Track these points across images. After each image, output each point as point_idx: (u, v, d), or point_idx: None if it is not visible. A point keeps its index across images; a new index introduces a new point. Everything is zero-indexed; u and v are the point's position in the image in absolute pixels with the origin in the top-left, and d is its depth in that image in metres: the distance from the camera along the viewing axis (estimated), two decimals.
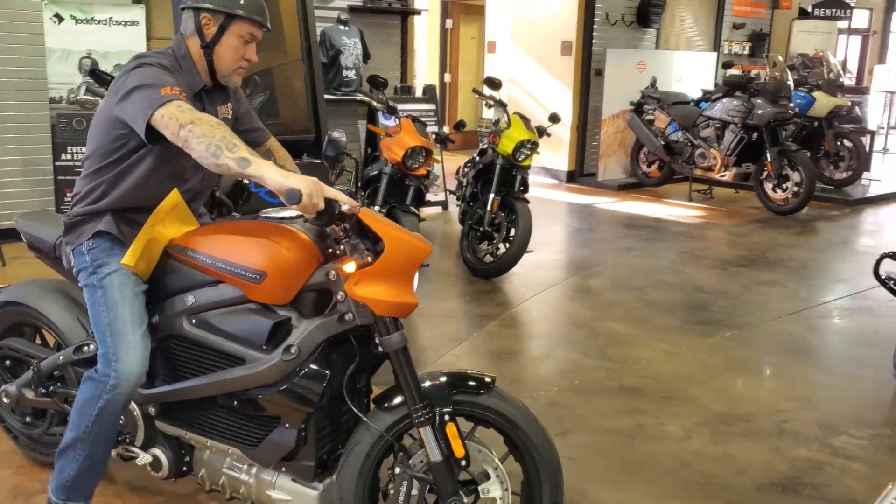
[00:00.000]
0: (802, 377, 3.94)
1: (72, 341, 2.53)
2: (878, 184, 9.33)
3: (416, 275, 2.13)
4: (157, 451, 2.38)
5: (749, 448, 3.16)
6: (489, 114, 5.82)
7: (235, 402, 2.18)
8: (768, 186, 7.93)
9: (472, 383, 2.18)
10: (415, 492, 2.14)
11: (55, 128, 5.59)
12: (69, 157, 5.63)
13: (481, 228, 5.46)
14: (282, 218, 2.21)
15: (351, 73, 7.15)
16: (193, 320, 2.22)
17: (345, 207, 1.96)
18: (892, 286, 4.03)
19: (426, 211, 6.94)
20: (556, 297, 5.17)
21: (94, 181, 2.29)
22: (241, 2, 2.25)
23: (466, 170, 6.40)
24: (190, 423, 2.32)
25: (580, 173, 9.63)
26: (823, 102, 8.45)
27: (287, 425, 2.14)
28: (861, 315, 4.87)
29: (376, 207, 4.95)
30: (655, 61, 9.60)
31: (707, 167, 8.34)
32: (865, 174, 9.05)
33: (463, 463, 2.13)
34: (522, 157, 5.47)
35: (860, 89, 11.08)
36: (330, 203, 1.91)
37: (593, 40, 9.28)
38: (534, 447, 2.18)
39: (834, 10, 12.18)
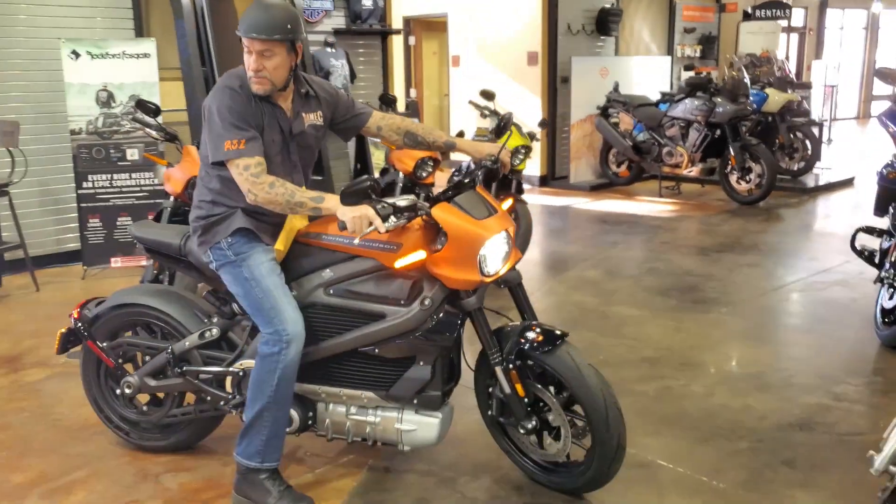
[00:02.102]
0: (796, 341, 4.45)
1: (189, 329, 2.97)
2: (829, 172, 10.05)
3: (505, 250, 2.67)
4: (290, 410, 2.79)
5: (764, 399, 3.64)
6: (484, 123, 6.24)
7: (377, 350, 2.69)
8: (733, 179, 8.52)
9: (539, 340, 2.70)
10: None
11: (76, 158, 5.85)
12: (90, 185, 5.89)
13: None
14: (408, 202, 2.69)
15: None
16: (331, 290, 2.72)
17: (382, 227, 2.43)
18: (868, 256, 4.59)
19: None
20: (561, 288, 5.62)
21: (212, 184, 2.70)
22: (242, 25, 2.68)
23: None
24: (326, 378, 2.81)
25: (552, 177, 10.15)
26: (776, 98, 9.10)
27: (422, 363, 2.70)
28: (836, 287, 5.42)
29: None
30: (616, 67, 10.19)
31: (674, 164, 8.91)
32: (818, 164, 9.74)
33: (525, 400, 2.73)
34: (518, 161, 5.88)
35: (805, 84, 11.85)
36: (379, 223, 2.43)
37: (557, 50, 9.83)
38: (588, 401, 2.66)
39: (774, 10, 12.99)
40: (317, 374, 2.82)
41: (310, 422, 2.89)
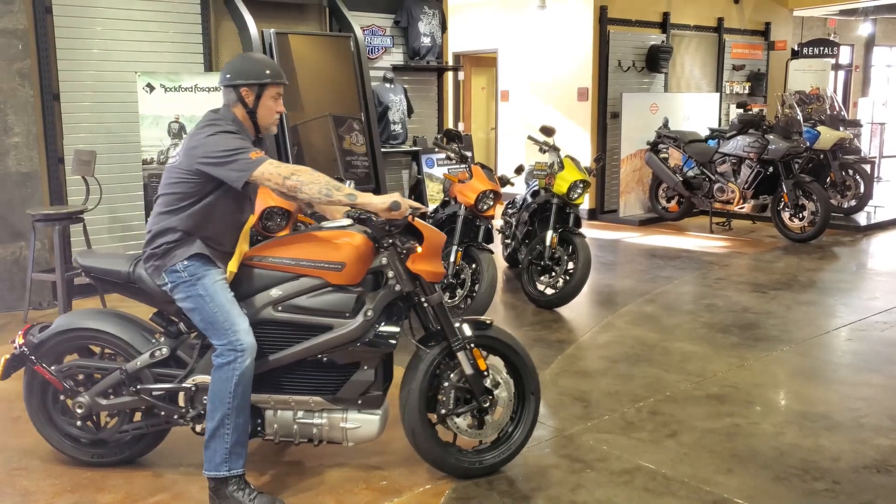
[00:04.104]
0: (863, 381, 4.42)
1: (138, 349, 3.17)
2: (883, 210, 9.95)
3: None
4: (248, 416, 2.99)
5: (836, 439, 3.62)
6: (543, 158, 6.33)
7: (324, 359, 3.04)
8: (786, 216, 8.49)
9: (480, 324, 3.24)
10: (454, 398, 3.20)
11: (147, 187, 6.06)
12: None
13: (542, 263, 5.94)
14: (342, 226, 3.11)
15: (398, 127, 7.69)
16: (280, 307, 3.03)
17: (418, 212, 3.00)
18: None
19: None
20: (620, 322, 5.64)
21: (174, 217, 2.97)
22: (268, 72, 3.03)
23: (513, 211, 6.91)
24: (275, 387, 3.08)
25: (601, 210, 10.20)
26: (828, 136, 9.09)
27: (366, 367, 3.07)
28: None
29: (454, 247, 5.43)
30: (666, 103, 10.26)
31: (726, 200, 8.91)
32: (870, 202, 9.66)
33: (485, 373, 3.20)
34: (576, 195, 6.00)
35: (855, 122, 11.78)
36: (413, 209, 2.96)
37: (608, 86, 9.93)
38: (521, 361, 3.29)
39: (822, 48, 13.00)
40: (266, 384, 3.06)
41: (259, 428, 3.14)
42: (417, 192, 7.94)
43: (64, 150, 6.01)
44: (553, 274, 5.95)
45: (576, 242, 5.89)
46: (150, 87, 5.99)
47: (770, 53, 12.09)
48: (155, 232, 3.00)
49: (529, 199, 6.56)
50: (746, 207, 8.96)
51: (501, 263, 7.23)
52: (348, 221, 3.08)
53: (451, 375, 3.19)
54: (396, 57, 7.95)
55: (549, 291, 5.98)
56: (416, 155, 7.95)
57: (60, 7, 5.94)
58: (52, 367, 3.22)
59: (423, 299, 3.12)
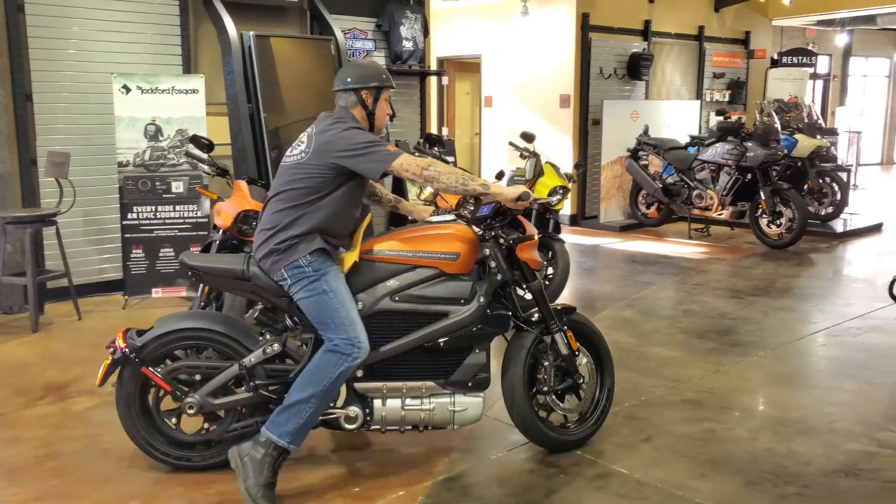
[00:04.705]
0: (836, 386, 4.45)
1: (248, 347, 3.21)
2: (858, 217, 10.05)
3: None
4: (354, 408, 3.21)
5: (808, 444, 3.64)
6: (523, 164, 6.34)
7: (441, 344, 3.21)
8: (763, 223, 8.56)
9: (569, 309, 3.56)
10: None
11: (122, 189, 6.01)
12: (135, 216, 6.04)
13: None
14: (447, 220, 3.34)
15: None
16: (397, 297, 3.18)
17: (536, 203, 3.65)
18: None
19: None
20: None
21: (300, 212, 3.07)
22: (383, 76, 3.27)
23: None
24: (388, 375, 3.23)
25: (582, 216, 10.23)
26: (805, 144, 9.16)
27: (478, 350, 3.29)
28: (873, 333, 5.42)
29: None
30: (646, 110, 10.32)
31: (705, 207, 8.96)
32: (846, 209, 9.75)
33: (576, 353, 3.51)
34: (556, 201, 6.01)
35: (832, 130, 11.90)
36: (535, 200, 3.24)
37: (589, 93, 9.98)
38: (599, 343, 3.69)
39: (800, 57, 13.14)
40: (379, 373, 3.22)
41: (367, 418, 3.24)
42: (400, 195, 7.91)
43: (37, 151, 5.95)
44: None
45: (555, 248, 5.89)
46: (127, 89, 5.94)
47: (750, 62, 12.20)
48: (279, 227, 3.07)
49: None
50: (725, 214, 9.03)
51: None
52: (451, 217, 3.34)
53: (549, 356, 3.45)
54: (378, 61, 7.94)
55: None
56: None
57: (33, 6, 5.87)
58: (159, 370, 3.21)
59: (525, 286, 3.40)
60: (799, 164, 9.28)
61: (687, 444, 3.66)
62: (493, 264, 3.31)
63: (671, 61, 11.13)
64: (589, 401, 3.62)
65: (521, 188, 3.11)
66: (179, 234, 6.14)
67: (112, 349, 3.18)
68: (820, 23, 14.65)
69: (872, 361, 4.86)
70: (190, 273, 3.25)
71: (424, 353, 3.22)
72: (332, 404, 3.17)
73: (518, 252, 3.33)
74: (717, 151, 8.78)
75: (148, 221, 6.09)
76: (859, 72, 18.39)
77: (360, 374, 3.18)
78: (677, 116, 10.78)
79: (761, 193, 8.43)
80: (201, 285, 4.54)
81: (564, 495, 3.17)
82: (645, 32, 10.58)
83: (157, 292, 6.14)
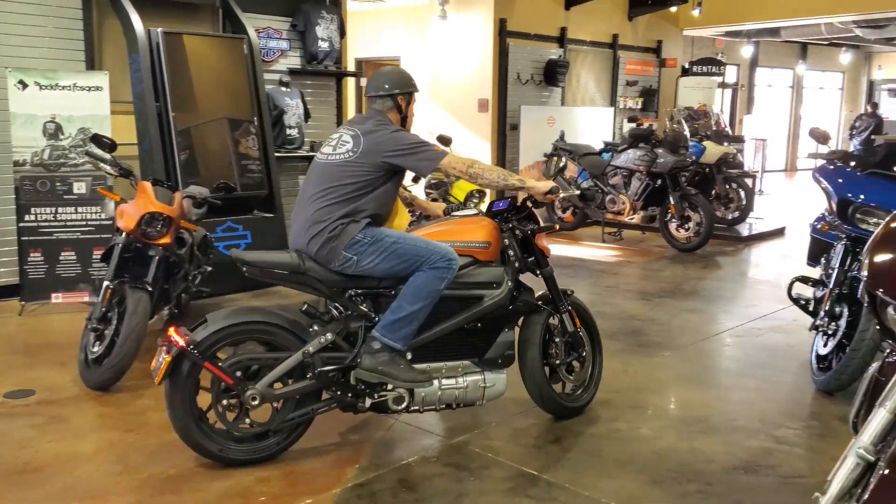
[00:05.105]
0: (738, 385, 4.61)
1: (302, 338, 3.35)
2: (762, 222, 10.48)
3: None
4: (401, 390, 3.42)
5: (710, 442, 3.76)
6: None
7: (479, 325, 3.53)
8: (673, 227, 8.82)
9: (568, 293, 3.98)
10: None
11: (19, 190, 5.71)
12: (33, 218, 5.75)
13: None
14: (471, 214, 3.82)
15: (294, 132, 7.55)
16: None
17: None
18: (803, 304, 4.81)
19: None
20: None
21: (350, 206, 3.32)
22: (413, 82, 3.63)
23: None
24: (431, 356, 3.50)
25: None
26: (713, 151, 9.50)
27: (507, 329, 3.66)
28: (773, 333, 5.64)
29: None
30: (563, 116, 10.50)
31: (617, 211, 9.18)
32: (751, 214, 10.16)
33: (579, 331, 3.98)
34: (472, 205, 6.04)
35: (739, 138, 12.37)
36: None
37: (507, 98, 10.08)
38: (591, 322, 4.14)
39: (709, 66, 13.62)
40: (424, 355, 3.47)
41: (410, 399, 3.46)
42: None
43: None
44: None
45: None
46: (23, 84, 5.66)
47: (661, 70, 12.56)
48: (333, 219, 3.28)
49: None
50: (636, 218, 9.27)
51: None
52: (474, 210, 3.82)
53: (558, 333, 3.91)
54: (294, 60, 7.82)
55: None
56: (312, 160, 7.81)
57: None
58: (220, 364, 3.25)
59: (538, 271, 3.80)
60: (707, 170, 9.60)
61: (595, 443, 3.72)
62: (511, 253, 3.65)
63: (586, 68, 11.36)
64: (587, 372, 4.07)
65: (551, 183, 3.55)
66: (82, 236, 5.88)
67: (167, 346, 3.17)
68: (728, 34, 15.23)
69: (772, 360, 5.06)
70: (245, 269, 3.31)
71: (463, 334, 3.52)
72: (384, 386, 3.40)
73: (537, 240, 3.76)
74: (629, 157, 9.01)
75: (47, 224, 5.81)
76: (765, 82, 19.21)
77: (409, 356, 3.42)
78: (592, 123, 11.01)
79: (670, 198, 8.69)
80: (103, 291, 4.36)
81: (474, 499, 3.17)
82: (561, 39, 10.76)
83: (57, 298, 5.85)
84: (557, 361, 3.89)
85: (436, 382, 3.47)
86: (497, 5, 9.88)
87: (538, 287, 3.88)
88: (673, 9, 11.71)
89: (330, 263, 3.31)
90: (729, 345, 5.44)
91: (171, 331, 3.19)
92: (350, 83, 12.53)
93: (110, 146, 4.58)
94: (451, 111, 10.44)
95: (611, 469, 3.46)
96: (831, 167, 4.62)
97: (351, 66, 12.38)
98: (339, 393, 3.39)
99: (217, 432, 3.34)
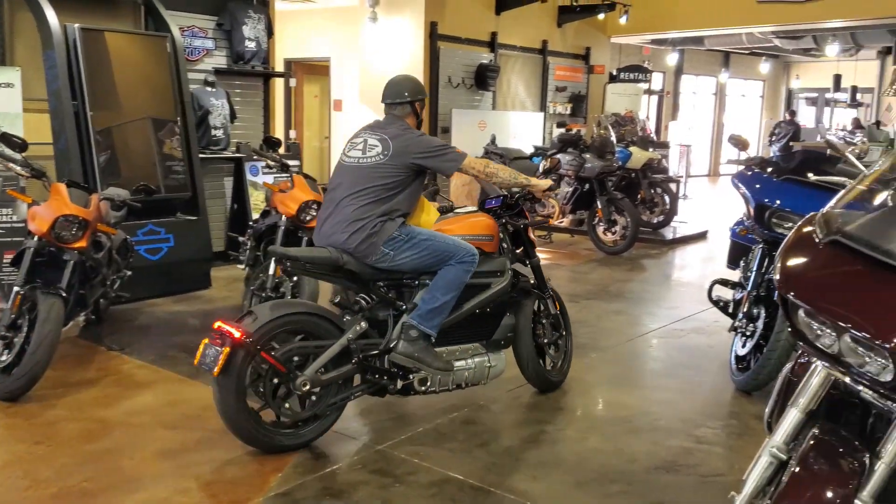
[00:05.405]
0: (660, 385, 4.71)
1: (341, 327, 3.59)
2: (686, 225, 10.75)
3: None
4: (423, 372, 3.71)
5: (633, 442, 3.82)
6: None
7: (488, 310, 3.91)
8: (600, 230, 8.98)
9: (548, 280, 4.49)
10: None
11: None
12: None
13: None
14: (470, 211, 4.12)
15: (219, 133, 7.38)
16: None
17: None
18: (723, 306, 4.94)
19: None
20: None
21: (385, 204, 3.61)
22: (424, 89, 3.97)
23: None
24: (447, 340, 3.80)
25: None
26: (638, 156, 9.71)
27: (509, 313, 4.06)
28: (694, 334, 5.79)
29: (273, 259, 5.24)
30: (494, 120, 10.58)
31: (547, 215, 9.26)
32: (675, 217, 10.42)
33: (559, 313, 4.54)
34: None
35: (664, 143, 12.68)
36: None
37: (438, 101, 10.09)
38: (563, 305, 4.61)
39: (636, 73, 13.92)
40: (441, 340, 3.74)
41: (428, 381, 3.74)
42: (241, 200, 7.65)
43: None
44: None
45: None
46: None
47: (590, 77, 12.80)
48: (372, 217, 3.56)
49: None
50: (565, 222, 9.40)
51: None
52: (473, 208, 4.19)
53: (543, 315, 4.36)
54: (219, 60, 7.65)
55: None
56: (238, 162, 7.67)
57: None
58: (273, 353, 3.42)
59: (528, 261, 4.30)
60: (633, 175, 9.81)
61: (521, 447, 3.74)
62: (504, 245, 4.06)
63: (517, 73, 11.47)
64: (564, 349, 4.54)
65: (549, 182, 4.06)
66: None
67: (219, 338, 3.27)
68: (654, 42, 15.60)
69: (694, 361, 5.18)
70: (289, 263, 3.54)
71: (473, 319, 3.87)
72: (413, 368, 3.68)
73: (530, 233, 4.27)
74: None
75: None
76: (690, 89, 19.76)
77: (433, 338, 3.69)
78: (523, 127, 11.13)
79: (598, 202, 8.84)
80: (13, 297, 4.16)
81: None
82: (492, 44, 10.85)
83: None
84: (545, 340, 4.35)
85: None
86: (428, 9, 9.89)
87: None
88: (601, 16, 11.93)
89: (367, 258, 3.58)
90: (653, 346, 5.55)
91: (221, 324, 3.33)
92: (278, 84, 12.37)
93: (21, 146, 4.38)
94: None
95: (536, 472, 3.48)
96: (749, 173, 4.76)
97: (280, 67, 12.24)
98: (375, 376, 3.66)
99: (261, 422, 3.49)
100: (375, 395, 3.76)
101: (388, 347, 3.65)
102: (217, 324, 3.32)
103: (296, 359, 3.48)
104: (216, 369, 3.24)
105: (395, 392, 3.73)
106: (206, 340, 3.34)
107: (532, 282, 4.32)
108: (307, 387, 3.42)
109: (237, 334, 3.26)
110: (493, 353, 3.97)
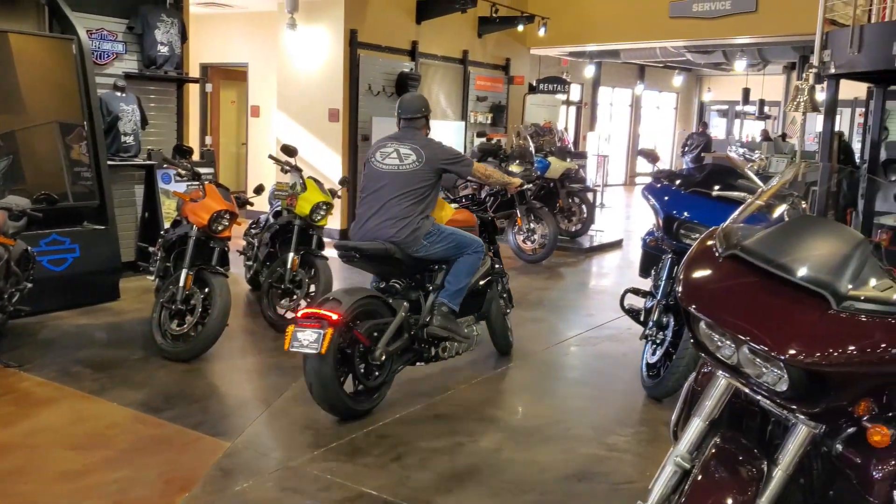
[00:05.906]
0: (574, 393, 4.79)
1: (392, 307, 4.28)
2: (602, 234, 11.00)
3: None
4: (447, 344, 4.52)
5: (546, 451, 3.86)
6: (285, 178, 6.21)
7: (480, 285, 4.75)
8: (520, 239, 9.08)
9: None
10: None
11: None
12: None
13: (283, 286, 5.79)
14: (456, 208, 4.90)
15: (129, 139, 7.14)
16: None
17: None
18: (635, 314, 5.06)
19: None
20: None
21: (423, 203, 4.34)
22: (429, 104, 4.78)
23: (256, 231, 6.70)
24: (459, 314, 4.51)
25: None
26: (556, 166, 9.87)
27: (490, 289, 4.90)
28: (608, 342, 5.91)
29: (184, 270, 5.09)
30: None
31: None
32: (592, 226, 10.64)
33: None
34: (319, 217, 5.93)
35: (581, 154, 12.93)
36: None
37: (358, 108, 10.03)
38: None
39: (555, 84, 14.15)
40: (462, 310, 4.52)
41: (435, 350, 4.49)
42: (152, 209, 7.40)
43: None
44: (294, 297, 5.83)
45: (318, 264, 5.82)
46: None
47: (510, 87, 12.94)
48: (416, 215, 4.28)
49: (272, 220, 6.39)
50: None
51: (243, 286, 6.96)
52: (456, 205, 5.02)
53: (503, 290, 5.26)
54: (130, 64, 7.40)
55: (290, 315, 5.82)
56: (150, 169, 7.43)
57: None
58: (360, 331, 4.01)
59: (490, 247, 5.02)
60: (551, 184, 9.96)
61: (435, 459, 3.73)
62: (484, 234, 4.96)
63: (437, 82, 11.50)
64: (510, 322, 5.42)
65: (520, 180, 5.23)
66: None
67: (318, 321, 3.74)
68: (572, 54, 15.91)
69: (607, 368, 5.29)
70: (349, 254, 4.24)
71: (472, 295, 4.57)
72: (433, 340, 4.43)
73: (496, 223, 5.18)
74: None
75: None
76: (607, 100, 20.24)
77: (457, 313, 4.47)
78: (444, 136, 11.10)
79: (517, 211, 8.94)
80: None
81: None
82: (412, 53, 10.84)
83: None
84: (507, 311, 5.26)
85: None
86: (347, 16, 9.82)
87: None
88: (520, 28, 12.08)
89: (410, 249, 4.27)
90: (569, 354, 5.64)
91: (314, 309, 3.84)
92: (194, 89, 12.07)
93: None
94: (300, 121, 10.26)
95: (451, 484, 3.47)
96: (658, 185, 4.89)
97: (196, 72, 11.94)
98: (422, 346, 4.39)
99: (347, 393, 4.04)
100: (416, 362, 4.47)
101: (425, 321, 4.35)
102: (308, 310, 3.86)
103: (375, 334, 4.09)
104: (323, 348, 3.70)
105: (429, 359, 4.46)
106: (291, 327, 3.78)
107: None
108: (384, 357, 4.09)
109: (335, 316, 3.79)
110: (476, 324, 4.77)
